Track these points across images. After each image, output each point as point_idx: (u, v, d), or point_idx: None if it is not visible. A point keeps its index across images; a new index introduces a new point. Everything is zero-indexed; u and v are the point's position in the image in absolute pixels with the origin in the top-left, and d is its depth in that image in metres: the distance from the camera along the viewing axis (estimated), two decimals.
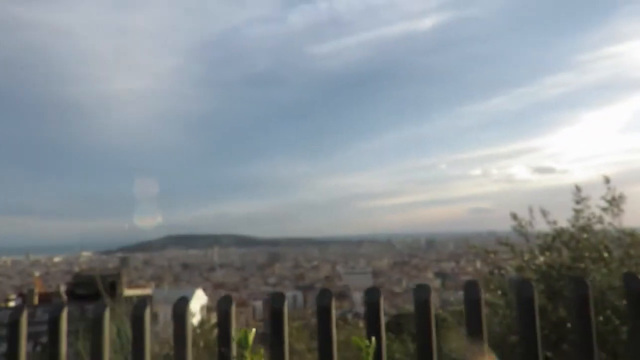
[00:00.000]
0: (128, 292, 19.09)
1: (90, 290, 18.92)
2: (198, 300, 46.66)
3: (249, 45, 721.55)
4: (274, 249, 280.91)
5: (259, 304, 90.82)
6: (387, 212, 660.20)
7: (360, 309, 56.30)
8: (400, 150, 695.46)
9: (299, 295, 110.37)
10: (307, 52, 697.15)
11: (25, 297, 19.34)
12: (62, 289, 18.82)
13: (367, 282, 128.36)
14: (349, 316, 42.16)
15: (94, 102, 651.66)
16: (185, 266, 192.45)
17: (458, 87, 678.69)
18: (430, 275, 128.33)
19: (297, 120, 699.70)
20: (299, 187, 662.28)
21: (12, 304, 19.50)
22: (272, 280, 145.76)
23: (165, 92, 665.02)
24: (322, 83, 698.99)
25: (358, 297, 72.38)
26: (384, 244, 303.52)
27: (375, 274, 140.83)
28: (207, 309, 48.32)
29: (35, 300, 18.55)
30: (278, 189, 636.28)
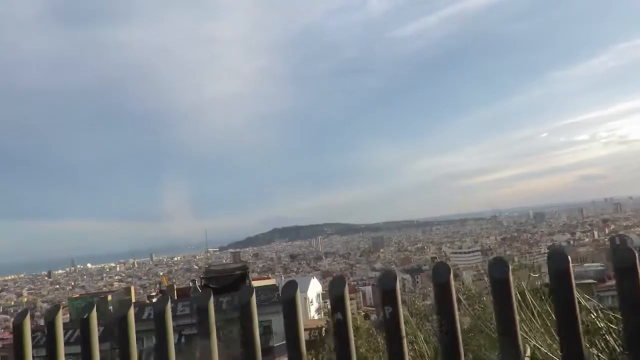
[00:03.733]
0: (254, 283, 20.73)
1: (222, 283, 20.80)
2: (314, 289, 48.76)
3: (332, 37, 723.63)
4: (376, 234, 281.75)
5: (367, 289, 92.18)
6: (489, 188, 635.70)
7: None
8: (497, 123, 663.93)
9: (408, 278, 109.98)
10: (390, 36, 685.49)
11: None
12: (197, 283, 20.79)
13: (476, 260, 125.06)
14: (462, 297, 41.56)
15: (190, 109, 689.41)
16: (292, 257, 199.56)
17: (551, 51, 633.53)
18: (543, 249, 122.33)
19: (388, 105, 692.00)
20: (395, 171, 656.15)
21: (155, 300, 21.92)
22: (378, 265, 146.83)
23: (256, 92, 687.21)
24: (409, 65, 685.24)
25: (469, 277, 68.66)
26: (489, 220, 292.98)
27: (484, 252, 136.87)
28: (323, 296, 50.28)
29: (175, 295, 20.66)
30: (375, 175, 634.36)
